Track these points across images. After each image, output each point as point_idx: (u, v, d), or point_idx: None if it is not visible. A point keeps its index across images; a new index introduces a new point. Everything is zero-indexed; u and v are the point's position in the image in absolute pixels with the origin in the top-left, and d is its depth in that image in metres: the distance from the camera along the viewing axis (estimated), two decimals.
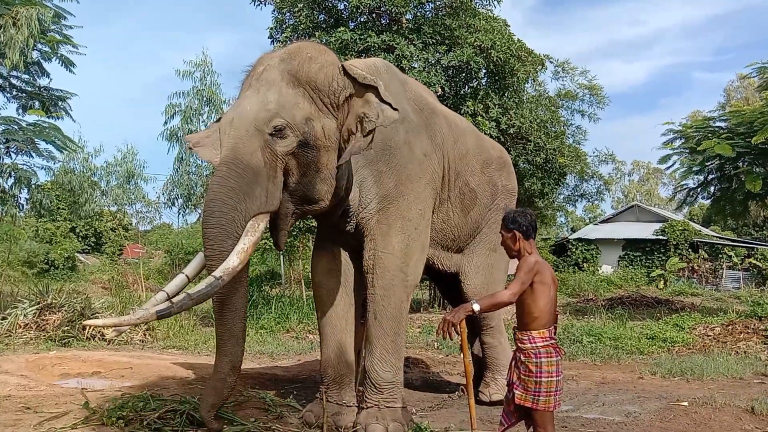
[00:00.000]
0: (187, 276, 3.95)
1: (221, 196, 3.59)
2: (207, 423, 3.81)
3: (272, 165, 3.76)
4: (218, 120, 4.33)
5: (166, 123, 13.52)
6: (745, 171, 11.97)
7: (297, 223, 9.24)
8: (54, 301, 9.20)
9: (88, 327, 8.82)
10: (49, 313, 8.94)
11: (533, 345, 3.21)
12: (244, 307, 3.80)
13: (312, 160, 3.88)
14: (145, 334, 9.29)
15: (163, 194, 15.10)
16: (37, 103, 12.01)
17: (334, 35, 11.79)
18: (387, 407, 4.36)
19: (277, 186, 3.79)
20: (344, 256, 4.72)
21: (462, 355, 3.41)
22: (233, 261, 3.52)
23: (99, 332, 8.88)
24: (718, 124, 12.86)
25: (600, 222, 31.78)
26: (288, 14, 13.58)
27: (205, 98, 13.74)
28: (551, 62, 17.36)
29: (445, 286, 6.47)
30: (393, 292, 4.40)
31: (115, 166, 15.10)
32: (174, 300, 3.44)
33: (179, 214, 15.02)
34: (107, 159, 28.80)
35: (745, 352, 8.36)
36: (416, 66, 12.30)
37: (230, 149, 3.69)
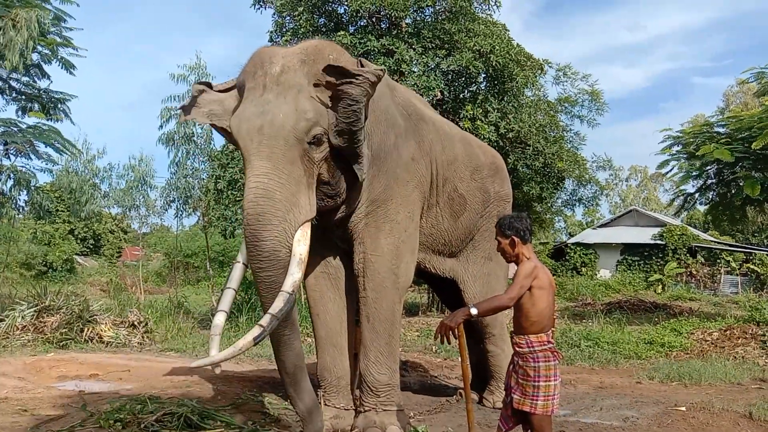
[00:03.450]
0: (234, 289, 3.95)
1: (269, 208, 3.56)
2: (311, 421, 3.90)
3: (310, 173, 3.79)
4: (201, 84, 4.31)
5: (161, 127, 13.49)
6: (744, 176, 11.98)
7: None
8: (52, 303, 9.17)
9: (86, 329, 8.82)
10: (47, 316, 8.91)
11: (531, 349, 3.21)
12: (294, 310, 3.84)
13: (335, 162, 3.95)
14: (143, 337, 9.28)
15: (161, 197, 15.09)
16: (36, 105, 12.00)
17: (334, 39, 11.80)
18: (384, 410, 4.37)
19: (314, 192, 3.84)
20: (336, 258, 4.73)
21: (460, 359, 3.41)
22: (297, 274, 3.59)
23: (97, 335, 8.88)
24: (716, 129, 12.87)
25: (598, 226, 31.77)
26: (288, 18, 13.61)
27: None
28: (550, 66, 17.36)
29: (442, 290, 6.49)
30: (384, 294, 4.41)
31: (129, 170, 15.12)
32: (263, 323, 3.45)
33: (176, 217, 14.98)
34: (110, 161, 28.77)
35: (743, 358, 8.36)
36: (416, 70, 12.32)
37: (268, 160, 3.62)
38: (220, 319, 3.79)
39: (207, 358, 3.57)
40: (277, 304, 3.48)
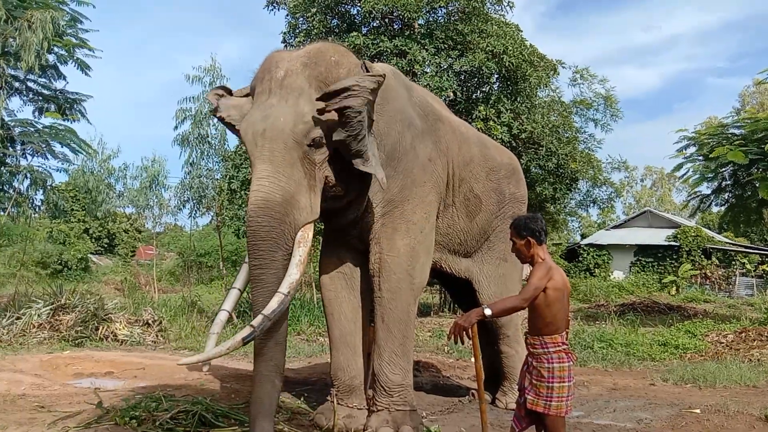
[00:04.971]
0: (239, 290, 3.99)
1: (268, 210, 3.62)
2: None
3: (312, 174, 3.83)
4: (221, 89, 4.32)
5: (176, 128, 13.59)
6: (759, 178, 11.87)
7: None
8: (67, 301, 9.28)
9: (101, 327, 8.90)
10: (63, 314, 9.02)
11: (545, 350, 3.21)
12: (286, 313, 3.82)
13: (342, 163, 3.96)
14: (157, 336, 9.36)
15: (175, 197, 15.19)
16: (53, 105, 12.13)
17: (347, 40, 11.84)
18: (397, 410, 4.38)
19: (317, 194, 3.86)
20: (351, 258, 4.75)
21: (473, 360, 3.41)
22: (295, 275, 3.61)
23: (112, 333, 8.96)
24: (732, 130, 12.77)
25: (612, 227, 31.60)
26: (301, 18, 13.67)
27: None
28: (564, 67, 17.29)
29: (455, 290, 6.48)
30: (400, 294, 4.42)
31: (142, 171, 15.27)
32: (254, 324, 3.46)
33: (190, 216, 15.09)
34: (125, 161, 29.01)
35: (758, 360, 8.27)
36: (428, 71, 12.32)
37: (269, 163, 3.69)
38: (221, 318, 3.85)
39: (194, 356, 3.60)
40: (272, 305, 3.49)
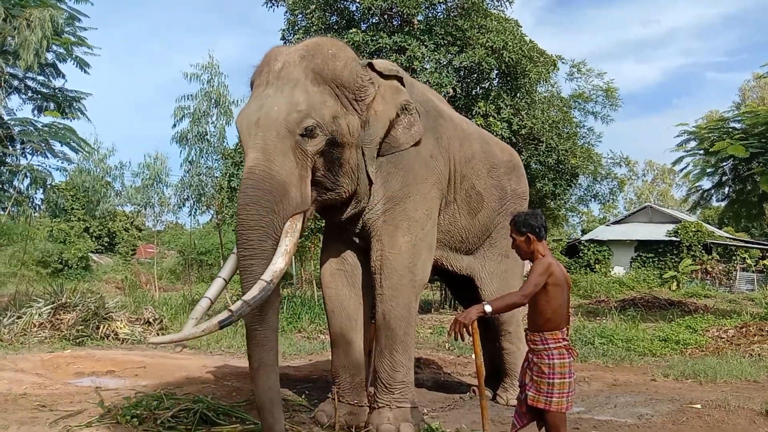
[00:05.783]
0: (224, 279, 3.98)
1: (258, 199, 3.63)
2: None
3: (303, 165, 3.84)
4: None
5: (175, 125, 13.58)
6: (759, 172, 11.85)
7: (308, 224, 9.26)
8: (68, 300, 9.30)
9: (102, 326, 8.91)
10: (64, 313, 9.04)
11: (546, 346, 3.21)
12: (278, 301, 3.85)
13: (337, 156, 4.00)
14: (158, 334, 9.35)
15: (175, 195, 15.19)
16: (52, 104, 12.12)
17: (346, 36, 11.82)
18: (398, 407, 4.37)
19: (308, 184, 3.88)
20: (352, 256, 4.74)
21: (474, 356, 3.41)
22: (279, 264, 3.60)
23: (113, 332, 8.97)
24: (732, 124, 12.75)
25: (612, 223, 31.56)
26: (300, 15, 13.64)
27: (213, 100, 13.81)
28: (563, 62, 17.26)
29: (456, 287, 6.47)
30: (401, 292, 4.42)
31: (145, 168, 15.27)
32: (233, 308, 3.45)
33: (191, 214, 15.10)
34: (121, 159, 29.02)
35: (759, 355, 8.27)
36: (428, 67, 12.30)
37: (261, 151, 3.71)
38: (202, 305, 3.82)
39: (166, 336, 3.58)
40: (252, 292, 3.48)
